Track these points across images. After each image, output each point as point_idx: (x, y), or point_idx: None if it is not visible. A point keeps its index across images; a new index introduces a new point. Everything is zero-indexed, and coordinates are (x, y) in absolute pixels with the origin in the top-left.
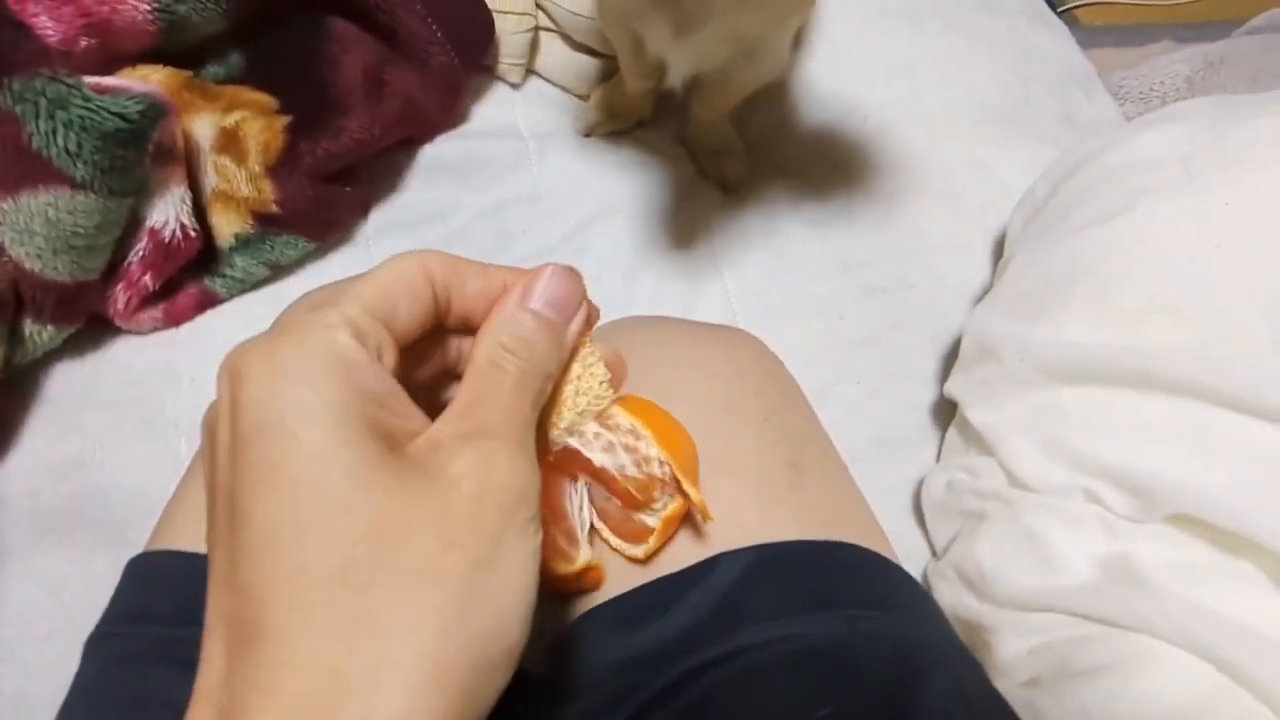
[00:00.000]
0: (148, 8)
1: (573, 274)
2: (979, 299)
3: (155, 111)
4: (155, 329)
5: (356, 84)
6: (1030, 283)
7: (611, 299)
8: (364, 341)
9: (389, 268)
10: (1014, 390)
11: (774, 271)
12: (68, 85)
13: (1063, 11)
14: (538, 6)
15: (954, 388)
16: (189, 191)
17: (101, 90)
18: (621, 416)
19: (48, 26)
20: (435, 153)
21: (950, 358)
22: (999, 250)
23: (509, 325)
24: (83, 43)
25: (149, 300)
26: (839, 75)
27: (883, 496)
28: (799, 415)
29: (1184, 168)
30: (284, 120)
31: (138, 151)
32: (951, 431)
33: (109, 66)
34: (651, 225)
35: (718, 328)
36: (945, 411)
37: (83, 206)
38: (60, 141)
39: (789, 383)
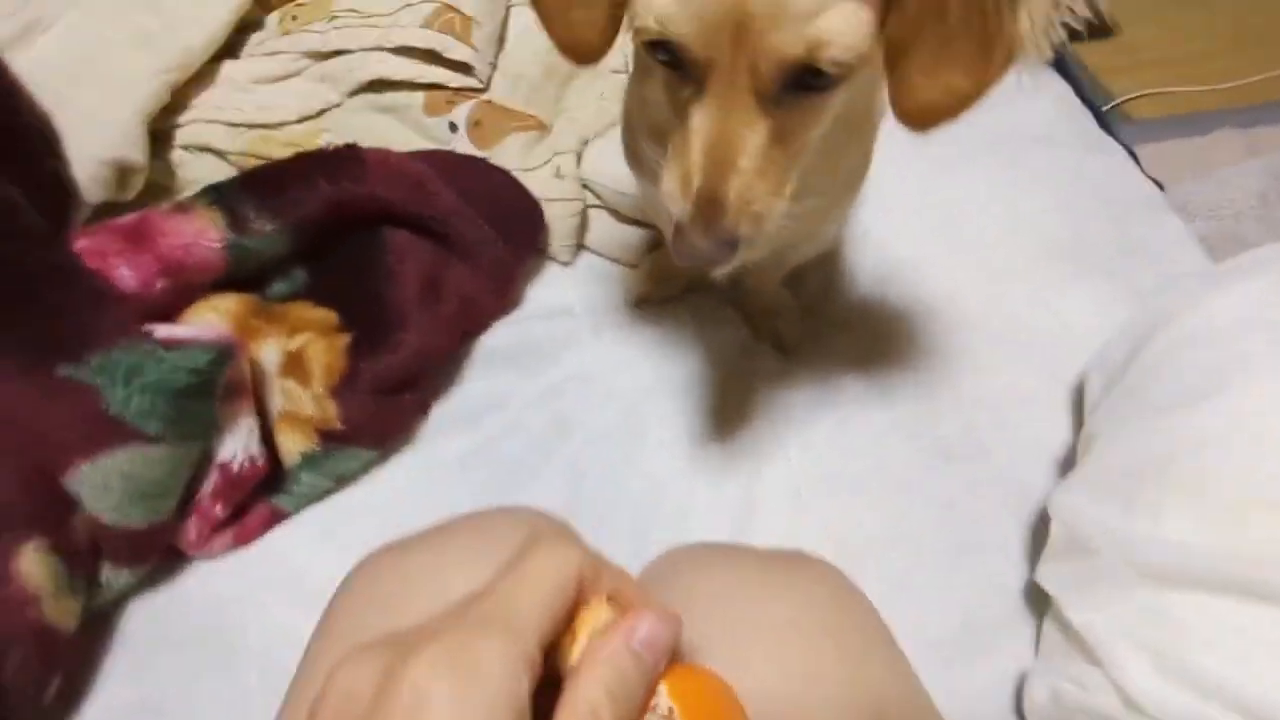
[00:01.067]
0: (219, 245)
1: (674, 620)
2: (1060, 462)
3: (224, 356)
4: (225, 551)
5: (413, 293)
6: (1119, 465)
7: (669, 482)
8: (531, 677)
9: (551, 579)
10: (1115, 590)
11: (839, 441)
12: (144, 350)
13: (1113, 106)
14: (584, 187)
15: (1047, 579)
16: (256, 419)
17: (170, 345)
18: (662, 696)
19: (126, 275)
20: (492, 342)
21: (1035, 529)
22: (1076, 405)
23: (613, 665)
24: (158, 285)
25: (219, 526)
26: (892, 221)
27: (975, 700)
28: (883, 663)
29: (1272, 338)
30: (345, 339)
31: (207, 399)
32: (1048, 626)
33: (181, 301)
34: (707, 400)
35: (788, 561)
36: (1035, 593)
37: (156, 457)
38: (135, 404)
39: (871, 623)
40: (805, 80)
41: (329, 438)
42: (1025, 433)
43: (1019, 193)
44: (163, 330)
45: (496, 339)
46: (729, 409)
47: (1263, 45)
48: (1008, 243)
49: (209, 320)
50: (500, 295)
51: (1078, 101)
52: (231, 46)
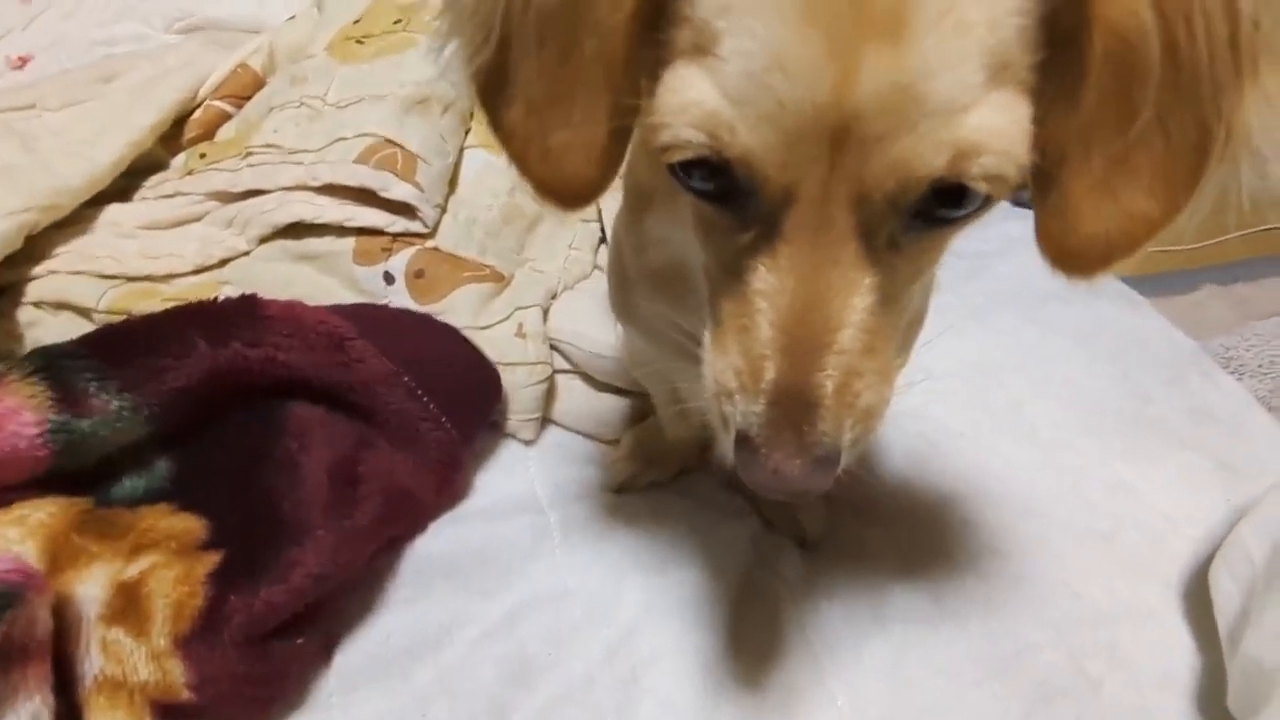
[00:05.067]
0: (35, 431)
1: None
2: (1196, 695)
3: (4, 601)
4: None
5: (318, 491)
6: None
7: None
8: None
9: None
10: None
11: (899, 679)
12: None
13: None
14: (553, 349)
15: None
16: (50, 696)
17: None
18: None
19: None
20: (426, 548)
21: None
22: (1198, 615)
23: None
24: None
25: None
26: (916, 391)
27: None
28: None
29: None
30: (210, 562)
31: None
32: None
33: None
34: (718, 626)
35: None
36: None
37: None
38: None
39: None
40: (934, 208)
41: (169, 713)
42: (1142, 655)
43: (1050, 352)
44: None
45: (433, 544)
46: (747, 637)
47: (1229, 206)
48: (1053, 410)
49: (1, 543)
50: (441, 486)
51: None
52: (123, 190)
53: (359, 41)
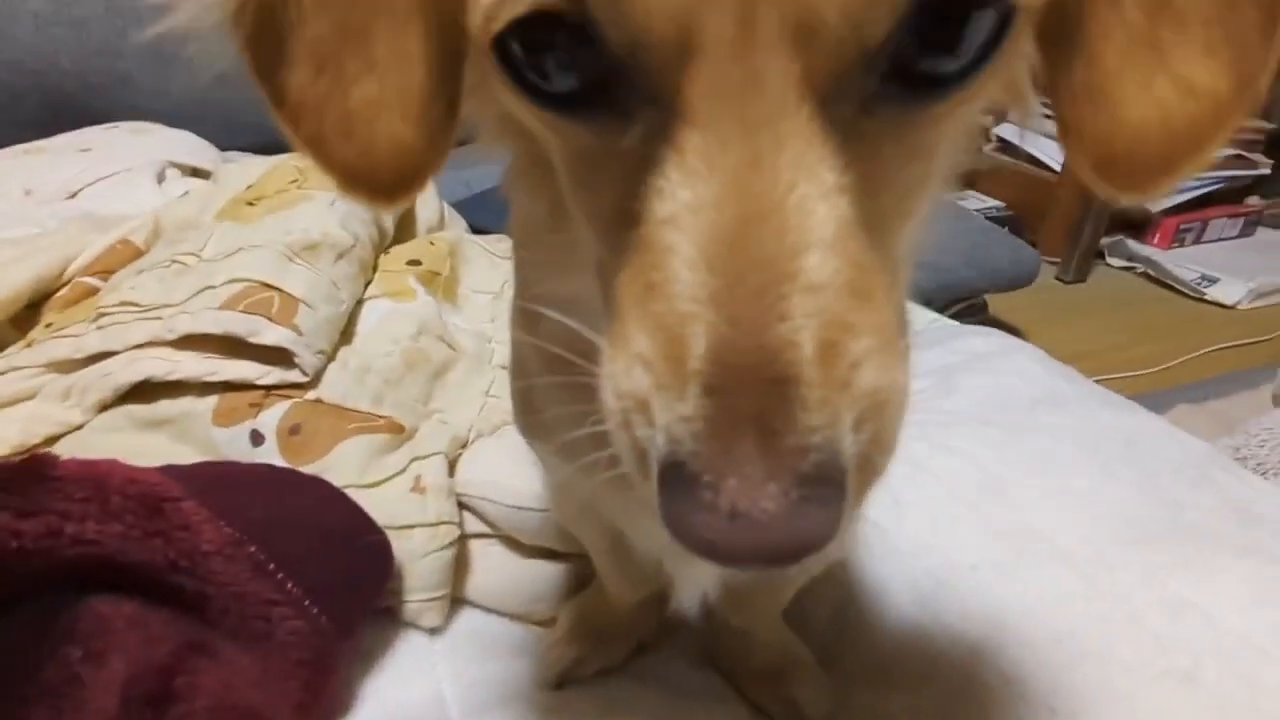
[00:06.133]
0: None
1: None
2: None
3: None
4: None
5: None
6: None
7: None
8: None
9: None
10: None
11: None
12: None
13: None
14: (462, 508)
15: None
16: None
17: None
18: None
19: None
20: None
21: None
22: None
23: None
24: None
25: None
26: (914, 514)
27: None
28: None
29: None
30: None
31: None
32: None
33: None
34: None
35: None
36: None
37: None
38: None
39: None
40: (916, 60)
41: None
42: None
43: (1055, 461)
44: None
45: None
46: None
47: (1159, 339)
48: (1076, 526)
49: None
50: (306, 699)
51: (1055, 362)
52: None
53: (250, 204)
